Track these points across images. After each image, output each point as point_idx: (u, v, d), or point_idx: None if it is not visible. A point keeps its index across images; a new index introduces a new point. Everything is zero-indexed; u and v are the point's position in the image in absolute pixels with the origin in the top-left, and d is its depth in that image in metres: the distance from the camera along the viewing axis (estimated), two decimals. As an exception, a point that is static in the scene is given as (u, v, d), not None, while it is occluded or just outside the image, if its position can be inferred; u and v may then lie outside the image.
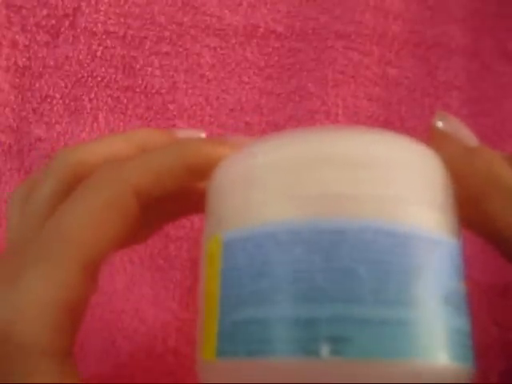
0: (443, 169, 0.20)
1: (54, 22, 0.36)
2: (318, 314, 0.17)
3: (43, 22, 0.36)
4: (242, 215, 0.19)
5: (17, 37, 0.36)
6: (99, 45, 0.36)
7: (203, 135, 0.26)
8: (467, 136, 0.22)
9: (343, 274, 0.17)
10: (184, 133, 0.26)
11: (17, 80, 0.36)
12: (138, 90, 0.36)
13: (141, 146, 0.24)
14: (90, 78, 0.36)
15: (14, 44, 0.35)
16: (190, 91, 0.37)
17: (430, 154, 0.20)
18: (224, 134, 0.36)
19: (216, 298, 0.19)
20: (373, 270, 0.17)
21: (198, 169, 0.22)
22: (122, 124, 0.36)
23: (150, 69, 0.36)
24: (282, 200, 0.19)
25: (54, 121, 0.36)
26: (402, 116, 0.37)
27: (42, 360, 0.19)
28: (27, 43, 0.36)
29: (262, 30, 0.37)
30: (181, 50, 0.37)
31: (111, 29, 0.36)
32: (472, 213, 0.21)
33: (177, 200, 0.25)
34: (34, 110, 0.35)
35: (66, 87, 0.36)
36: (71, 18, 0.36)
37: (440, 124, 0.22)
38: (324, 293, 0.17)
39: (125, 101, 0.36)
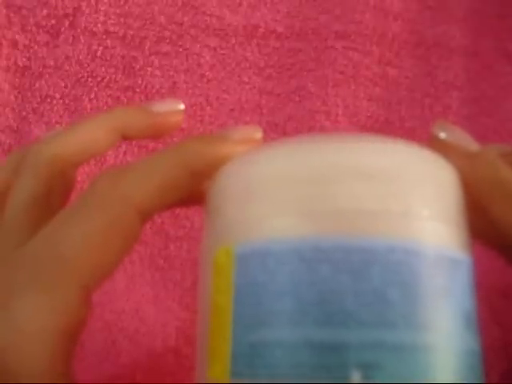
0: (458, 181, 0.20)
1: (54, 22, 0.36)
2: (348, 339, 0.16)
3: (43, 22, 0.36)
4: (257, 227, 0.18)
5: (17, 37, 0.35)
6: (99, 45, 0.36)
7: (181, 106, 0.24)
8: (468, 143, 0.22)
9: (374, 297, 0.16)
10: (160, 106, 0.24)
11: (17, 80, 0.35)
12: (137, 90, 0.36)
13: (119, 129, 0.23)
14: (90, 78, 0.36)
15: (14, 44, 0.35)
16: (190, 91, 0.37)
17: (449, 166, 0.20)
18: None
19: (228, 315, 0.18)
20: (403, 293, 0.16)
21: (201, 172, 0.21)
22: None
23: (149, 69, 0.36)
24: (304, 214, 0.18)
25: (53, 121, 0.36)
26: (402, 116, 0.37)
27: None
28: (27, 43, 0.36)
29: (262, 29, 0.37)
30: (181, 50, 0.37)
31: (111, 29, 0.36)
32: (477, 220, 0.20)
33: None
34: (33, 110, 0.35)
35: (66, 87, 0.36)
36: (71, 18, 0.36)
37: (441, 134, 0.22)
38: (353, 316, 0.16)
39: (125, 101, 0.36)
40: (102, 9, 0.36)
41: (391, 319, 0.16)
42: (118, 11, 0.36)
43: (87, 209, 0.19)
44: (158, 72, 0.36)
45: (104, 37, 0.36)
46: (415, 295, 0.17)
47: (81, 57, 0.36)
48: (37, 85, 0.35)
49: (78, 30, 0.36)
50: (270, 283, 0.17)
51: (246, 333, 0.17)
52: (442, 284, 0.17)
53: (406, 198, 0.18)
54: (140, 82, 0.36)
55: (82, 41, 0.36)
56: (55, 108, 0.36)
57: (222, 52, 0.37)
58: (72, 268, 0.18)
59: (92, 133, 0.23)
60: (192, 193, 0.22)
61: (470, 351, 0.18)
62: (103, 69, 0.36)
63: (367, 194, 0.17)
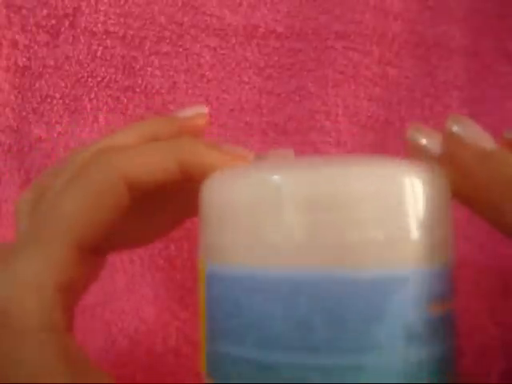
0: (429, 187, 0.19)
1: (54, 22, 0.36)
2: (278, 360, 0.18)
3: (43, 22, 0.36)
4: (221, 251, 0.20)
5: (17, 37, 0.35)
6: (99, 45, 0.36)
7: (205, 110, 0.26)
8: (484, 138, 0.21)
9: (299, 324, 0.18)
10: (185, 112, 0.26)
11: (17, 80, 0.35)
12: (137, 89, 0.36)
13: (152, 139, 0.25)
14: (90, 78, 0.36)
15: (13, 44, 0.35)
16: (190, 91, 0.37)
17: (409, 174, 0.19)
18: (224, 135, 0.36)
19: (203, 323, 0.21)
20: (328, 320, 0.18)
21: (189, 167, 0.22)
22: (122, 124, 0.36)
23: (149, 69, 0.36)
24: (253, 244, 0.19)
25: (53, 121, 0.36)
26: (401, 116, 0.37)
27: (39, 334, 0.19)
28: (27, 43, 0.35)
29: (262, 29, 0.37)
30: (181, 50, 0.37)
31: (111, 29, 0.36)
32: (493, 216, 0.20)
33: (177, 202, 0.25)
34: (33, 110, 0.35)
35: (66, 87, 0.36)
36: (71, 18, 0.36)
37: (455, 128, 0.22)
38: (282, 340, 0.18)
39: (125, 101, 0.36)
40: (102, 9, 0.36)
41: (314, 344, 0.18)
42: (118, 11, 0.36)
43: (82, 175, 0.21)
44: (158, 72, 0.36)
45: (104, 37, 0.36)
46: (340, 321, 0.18)
47: (81, 57, 0.36)
48: (37, 85, 0.35)
49: (78, 30, 0.36)
50: (223, 303, 0.19)
51: (211, 342, 0.20)
52: (375, 305, 0.18)
53: (337, 226, 0.18)
54: (140, 81, 0.36)
55: (82, 41, 0.36)
56: (55, 108, 0.36)
57: (221, 52, 0.37)
58: (66, 227, 0.20)
59: (130, 141, 0.24)
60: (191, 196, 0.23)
61: (416, 363, 0.18)
62: (103, 69, 0.36)
63: (298, 223, 0.18)
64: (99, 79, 0.36)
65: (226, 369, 0.19)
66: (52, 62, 0.36)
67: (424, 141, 0.22)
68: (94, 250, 0.22)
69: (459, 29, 0.39)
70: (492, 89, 0.38)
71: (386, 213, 0.18)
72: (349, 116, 0.37)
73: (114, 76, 0.36)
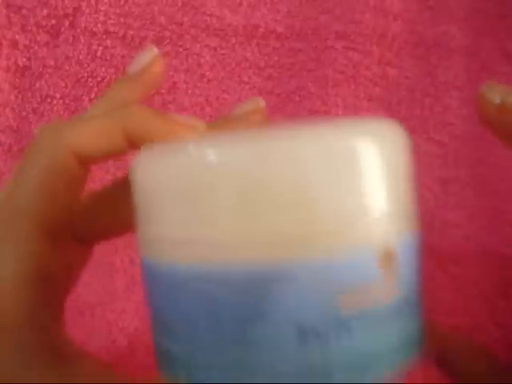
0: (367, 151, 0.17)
1: (54, 22, 0.36)
2: (175, 349, 0.18)
3: (43, 22, 0.36)
4: (147, 243, 0.19)
5: (17, 37, 0.35)
6: (99, 45, 0.36)
7: (155, 50, 0.25)
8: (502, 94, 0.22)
9: (183, 320, 0.18)
10: (138, 63, 0.25)
11: (17, 80, 0.35)
12: (138, 90, 0.36)
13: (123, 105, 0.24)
14: (90, 78, 0.36)
15: (13, 44, 0.35)
16: (189, 91, 0.37)
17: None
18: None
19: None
20: (209, 320, 0.17)
21: (134, 136, 0.21)
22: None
23: (150, 69, 0.36)
24: (175, 238, 0.18)
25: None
26: (401, 116, 0.37)
27: (17, 332, 0.19)
28: (27, 43, 0.36)
29: (262, 29, 0.37)
30: (181, 50, 0.37)
31: (111, 29, 0.36)
32: None
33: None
34: (34, 110, 0.35)
35: (66, 87, 0.36)
36: (71, 18, 0.36)
37: (489, 93, 0.22)
38: (173, 332, 0.18)
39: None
40: (102, 9, 0.36)
41: (198, 339, 0.17)
42: (118, 11, 0.36)
43: (33, 158, 0.21)
44: (158, 72, 0.36)
45: (104, 37, 0.36)
46: (219, 320, 0.17)
47: (81, 57, 0.36)
48: (37, 85, 0.35)
49: (78, 30, 0.36)
50: (154, 297, 0.19)
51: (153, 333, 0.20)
52: (254, 306, 0.16)
53: (207, 227, 0.17)
54: (140, 82, 0.36)
55: (82, 41, 0.36)
56: (55, 108, 0.36)
57: (222, 52, 0.37)
58: (29, 216, 0.20)
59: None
60: None
61: (314, 364, 0.16)
62: (103, 69, 0.36)
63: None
64: (99, 79, 0.36)
65: (162, 360, 0.19)
66: (52, 62, 0.36)
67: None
68: (71, 238, 0.22)
69: (459, 29, 0.39)
70: (492, 89, 0.38)
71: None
72: (349, 116, 0.37)
73: (114, 76, 0.36)
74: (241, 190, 0.16)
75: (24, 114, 0.35)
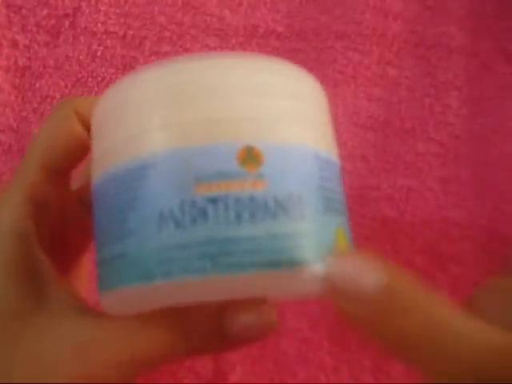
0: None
1: (54, 21, 0.36)
2: (127, 250, 0.19)
3: (43, 22, 0.36)
4: (95, 162, 0.21)
5: (17, 37, 0.36)
6: (99, 45, 0.36)
7: None
8: (363, 279, 0.18)
9: (108, 221, 0.20)
10: None
11: (17, 80, 0.35)
12: (138, 89, 0.36)
13: None
14: (90, 78, 0.36)
15: (14, 44, 0.35)
16: (190, 91, 0.37)
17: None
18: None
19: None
20: (108, 213, 0.20)
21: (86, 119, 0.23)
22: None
23: (150, 69, 0.36)
24: (116, 142, 0.20)
25: (54, 121, 0.36)
26: (402, 116, 0.37)
27: (6, 236, 0.22)
28: (27, 43, 0.36)
29: (262, 29, 0.37)
30: (181, 50, 0.37)
31: (111, 29, 0.36)
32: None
33: None
34: (34, 110, 0.35)
35: (66, 87, 0.36)
36: (71, 18, 0.36)
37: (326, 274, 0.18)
38: (130, 230, 0.19)
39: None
40: (102, 9, 0.36)
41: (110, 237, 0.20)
42: (118, 11, 0.36)
43: (51, 115, 0.24)
44: (158, 72, 0.36)
45: (104, 37, 0.36)
46: (110, 214, 0.20)
47: (81, 57, 0.36)
48: (37, 85, 0.35)
49: (78, 30, 0.36)
50: (114, 204, 0.20)
51: (99, 251, 0.21)
52: (128, 193, 0.19)
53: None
54: (140, 81, 0.36)
55: (82, 41, 0.36)
56: (55, 108, 0.36)
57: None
58: (34, 152, 0.23)
59: None
60: None
61: (171, 246, 0.18)
62: (103, 69, 0.36)
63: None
64: (99, 79, 0.36)
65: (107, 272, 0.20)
66: (52, 62, 0.36)
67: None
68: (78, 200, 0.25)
69: (459, 29, 0.39)
70: (491, 89, 0.38)
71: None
72: (349, 116, 0.37)
73: (114, 76, 0.36)
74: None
75: (24, 113, 0.35)
